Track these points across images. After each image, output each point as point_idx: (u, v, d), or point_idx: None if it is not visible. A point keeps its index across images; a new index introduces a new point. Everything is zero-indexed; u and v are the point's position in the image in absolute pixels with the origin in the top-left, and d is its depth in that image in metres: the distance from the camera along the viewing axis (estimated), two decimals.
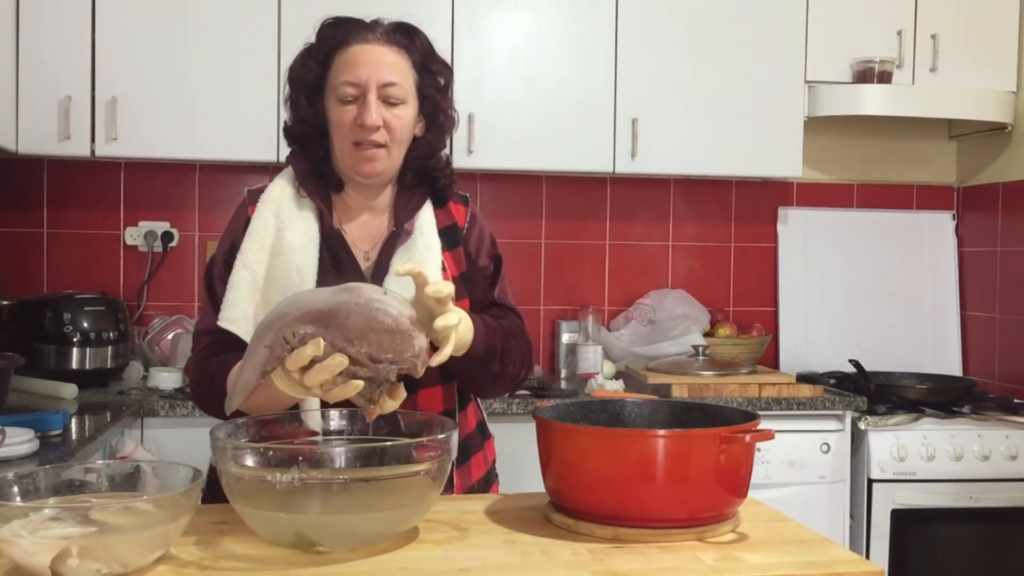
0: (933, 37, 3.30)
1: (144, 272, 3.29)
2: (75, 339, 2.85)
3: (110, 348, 2.92)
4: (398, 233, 1.64)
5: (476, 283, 1.70)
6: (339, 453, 1.27)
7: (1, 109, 2.77)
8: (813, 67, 3.27)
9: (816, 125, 3.46)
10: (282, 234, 1.60)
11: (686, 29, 3.19)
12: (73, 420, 2.35)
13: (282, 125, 1.72)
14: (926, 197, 3.74)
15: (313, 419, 1.43)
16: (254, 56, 2.97)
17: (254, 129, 2.97)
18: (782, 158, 3.26)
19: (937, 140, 3.73)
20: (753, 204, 3.64)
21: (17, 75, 2.86)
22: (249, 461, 1.22)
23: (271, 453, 1.24)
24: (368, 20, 1.64)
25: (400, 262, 1.59)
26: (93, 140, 2.91)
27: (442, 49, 1.71)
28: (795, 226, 3.65)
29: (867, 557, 2.85)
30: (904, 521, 2.94)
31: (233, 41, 2.97)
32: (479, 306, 1.68)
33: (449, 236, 1.69)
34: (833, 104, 3.27)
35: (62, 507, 1.13)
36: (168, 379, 2.86)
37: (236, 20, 2.97)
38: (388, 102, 1.59)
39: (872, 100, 3.26)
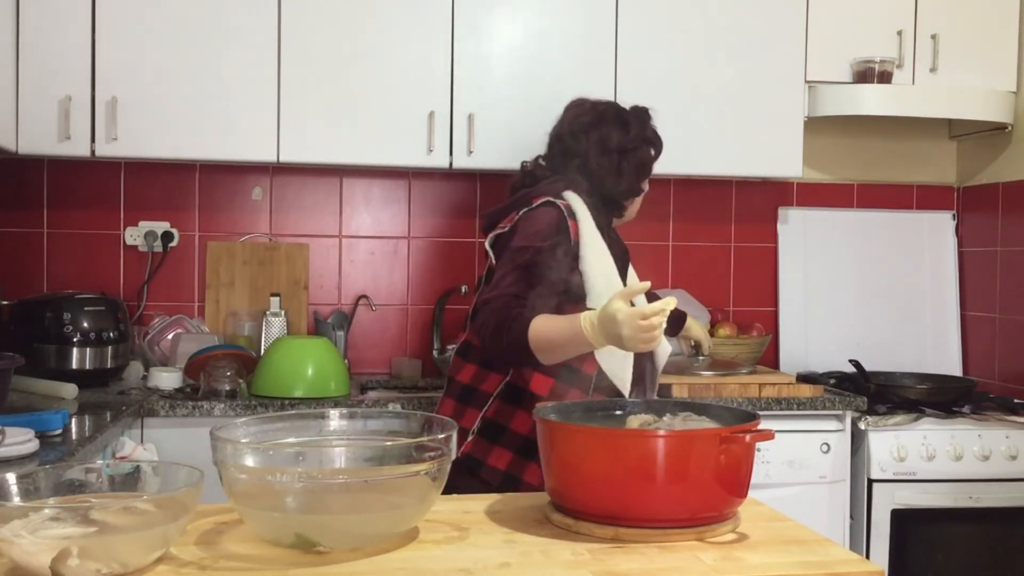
0: (933, 37, 3.30)
1: (144, 272, 3.29)
2: (75, 339, 2.85)
3: (110, 348, 2.91)
4: (628, 253, 2.30)
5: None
6: (339, 453, 1.27)
7: (1, 109, 2.76)
8: (813, 67, 3.27)
9: (816, 125, 3.46)
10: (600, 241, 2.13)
11: (686, 29, 3.19)
12: (73, 420, 2.34)
13: (586, 159, 2.24)
14: (926, 197, 3.73)
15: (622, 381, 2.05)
16: (254, 56, 2.97)
17: (254, 129, 2.97)
18: (782, 158, 3.26)
19: (937, 140, 3.73)
20: (753, 204, 3.64)
21: (17, 75, 2.86)
22: (249, 461, 1.22)
23: (271, 453, 1.24)
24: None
25: (631, 276, 2.29)
26: (93, 140, 2.91)
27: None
28: (795, 226, 3.65)
29: (867, 557, 2.85)
30: (904, 521, 2.94)
31: (233, 41, 2.97)
32: None
33: None
34: (833, 104, 3.27)
35: (62, 507, 1.13)
36: (168, 379, 2.85)
37: (236, 20, 2.96)
38: None
39: (872, 100, 3.26)
